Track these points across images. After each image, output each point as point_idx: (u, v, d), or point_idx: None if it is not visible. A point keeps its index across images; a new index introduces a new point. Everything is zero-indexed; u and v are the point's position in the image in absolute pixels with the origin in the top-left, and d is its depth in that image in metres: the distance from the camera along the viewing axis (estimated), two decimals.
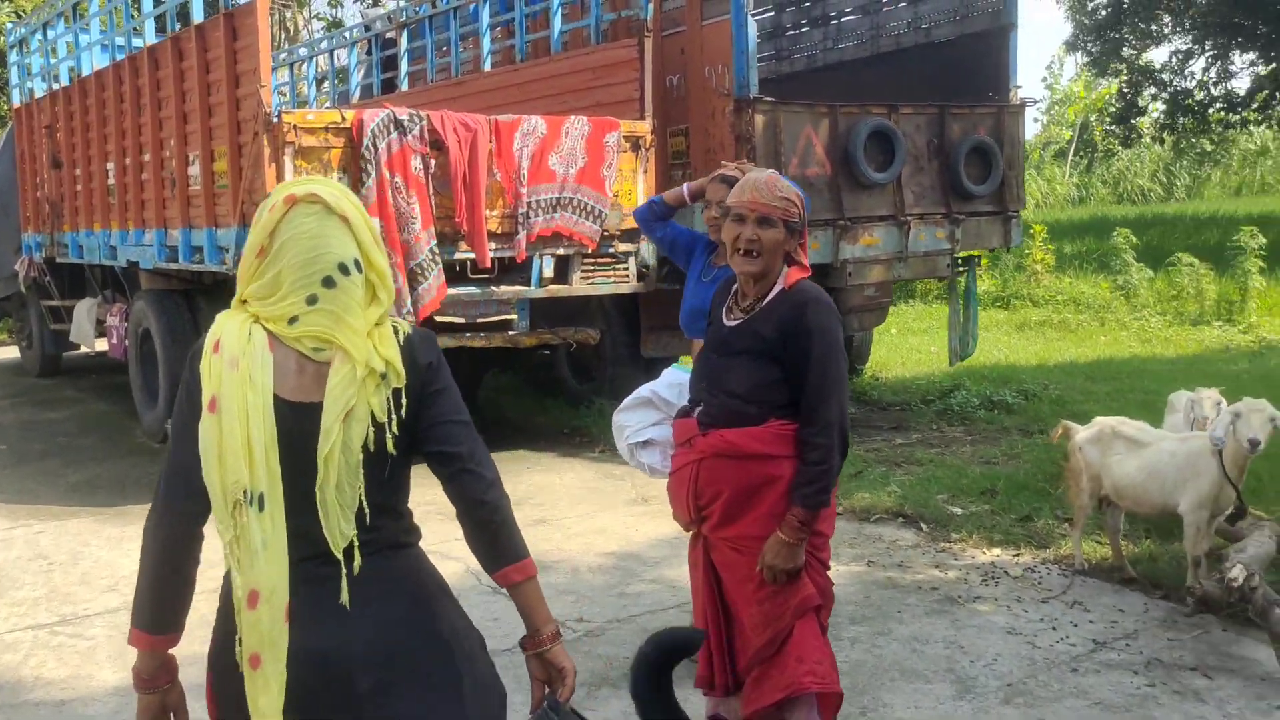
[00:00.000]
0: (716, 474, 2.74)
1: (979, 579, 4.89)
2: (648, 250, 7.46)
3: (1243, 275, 11.56)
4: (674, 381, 3.15)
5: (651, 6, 7.40)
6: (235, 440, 1.76)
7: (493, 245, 6.76)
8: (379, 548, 1.87)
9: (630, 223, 7.32)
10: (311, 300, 1.82)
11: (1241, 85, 27.18)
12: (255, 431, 1.77)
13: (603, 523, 5.93)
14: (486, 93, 8.66)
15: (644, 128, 7.36)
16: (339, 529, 1.81)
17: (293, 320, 1.83)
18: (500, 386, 10.17)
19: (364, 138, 6.27)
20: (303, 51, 13.66)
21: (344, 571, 1.82)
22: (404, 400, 1.86)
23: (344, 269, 1.84)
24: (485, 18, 8.98)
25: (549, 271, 7.12)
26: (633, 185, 7.36)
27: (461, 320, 6.97)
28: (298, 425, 1.80)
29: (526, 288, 7.09)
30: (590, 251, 7.22)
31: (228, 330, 1.83)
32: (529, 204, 6.87)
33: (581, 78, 7.88)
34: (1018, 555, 5.20)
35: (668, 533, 5.68)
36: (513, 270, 7.05)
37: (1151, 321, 11.82)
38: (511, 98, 8.32)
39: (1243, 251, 11.54)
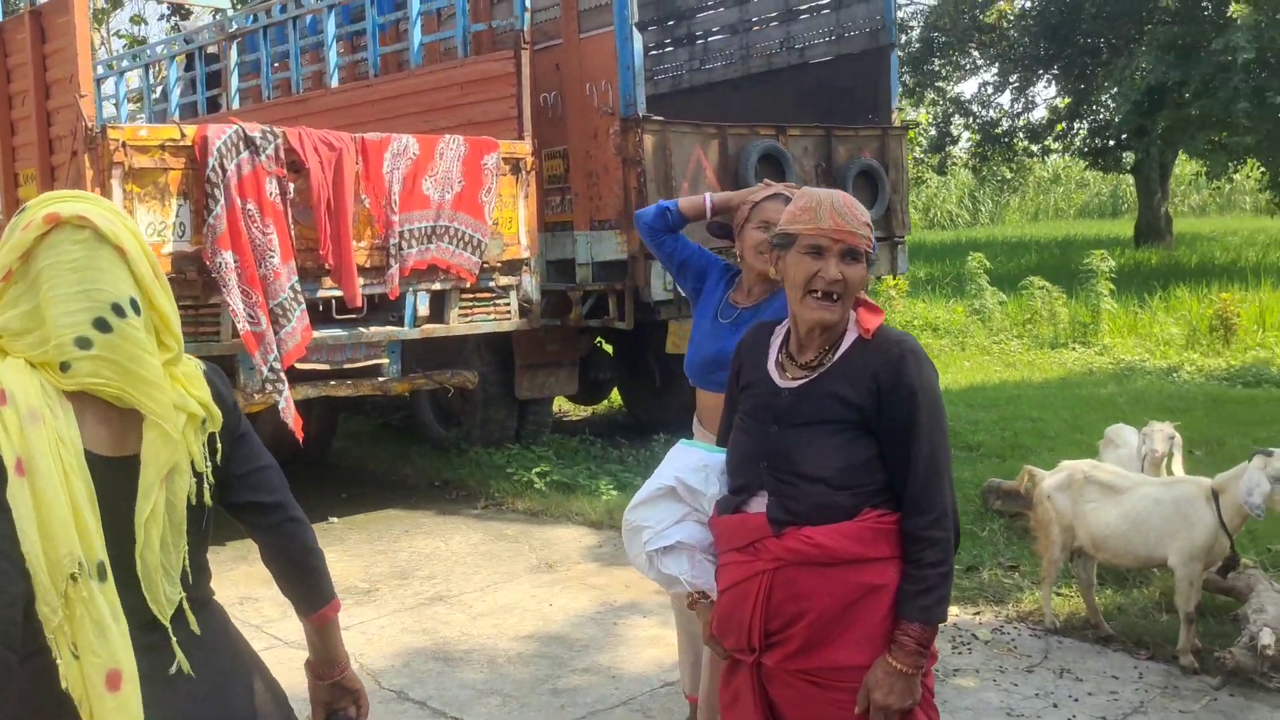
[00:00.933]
0: (799, 587, 2.08)
1: (948, 646, 4.41)
2: (530, 284, 6.78)
3: (1095, 298, 11.75)
4: (699, 464, 2.43)
5: (528, 17, 6.74)
6: (59, 506, 1.53)
7: (362, 281, 5.93)
8: (197, 606, 1.73)
9: (513, 253, 6.63)
10: (83, 344, 1.57)
11: (1041, 115, 28.52)
12: (78, 494, 1.55)
13: (509, 597, 5.18)
14: (336, 110, 7.80)
15: (524, 148, 6.69)
16: (164, 594, 1.65)
17: (65, 366, 1.57)
18: (353, 433, 9.23)
19: (209, 158, 5.37)
20: (101, 70, 12.29)
21: (172, 638, 1.66)
22: (219, 445, 1.73)
23: (119, 310, 1.60)
24: (331, 28, 8.11)
25: (424, 309, 6.34)
26: (513, 212, 6.66)
27: (326, 367, 6.10)
28: (114, 483, 1.60)
29: (399, 328, 6.28)
30: (469, 286, 6.48)
31: (9, 379, 1.56)
32: (401, 233, 6.08)
33: (449, 94, 7.15)
34: (978, 614, 4.76)
35: (586, 606, 5.01)
36: (383, 308, 6.23)
37: (1011, 345, 11.88)
38: (365, 116, 7.51)
39: (1094, 275, 11.72)
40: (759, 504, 2.17)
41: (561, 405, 9.65)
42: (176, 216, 5.37)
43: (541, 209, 7.23)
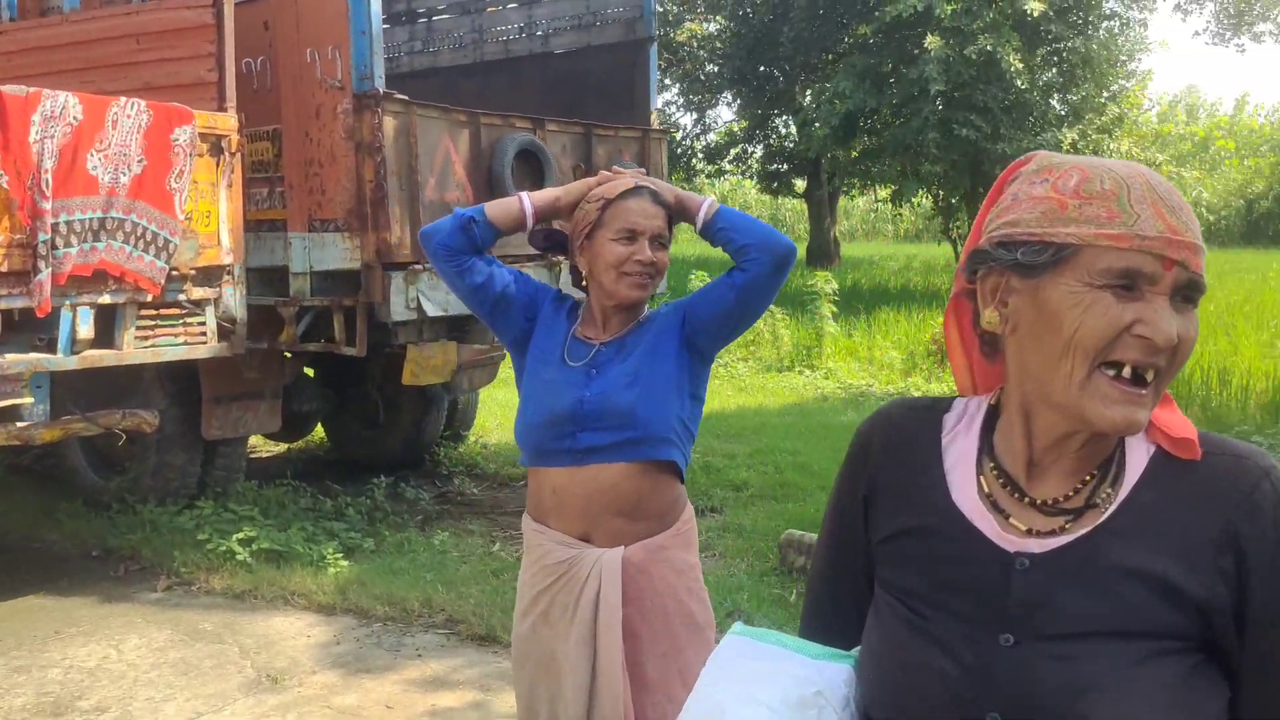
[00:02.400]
0: None
1: None
2: (233, 297, 5.27)
3: (818, 320, 11.53)
4: (798, 690, 1.23)
5: None
6: None
7: None
8: None
9: (211, 257, 5.11)
10: None
11: (714, 138, 29.24)
12: None
13: None
14: None
15: (228, 122, 5.18)
16: None
17: None
18: None
19: None
20: None
21: None
22: None
23: None
24: None
25: (86, 330, 4.69)
26: (213, 205, 5.14)
27: None
28: None
29: (50, 355, 4.60)
30: (151, 300, 4.89)
31: None
32: (56, 226, 4.43)
33: (121, 48, 5.48)
34: None
35: None
36: (25, 329, 4.54)
37: (738, 368, 11.42)
38: None
39: (816, 296, 11.50)
40: None
41: (252, 441, 8.01)
42: None
43: (245, 203, 5.72)
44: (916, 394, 10.26)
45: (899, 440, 1.24)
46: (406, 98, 5.64)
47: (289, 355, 6.52)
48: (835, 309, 11.73)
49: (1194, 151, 40.18)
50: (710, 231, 2.31)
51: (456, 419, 8.29)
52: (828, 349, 11.46)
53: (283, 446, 8.47)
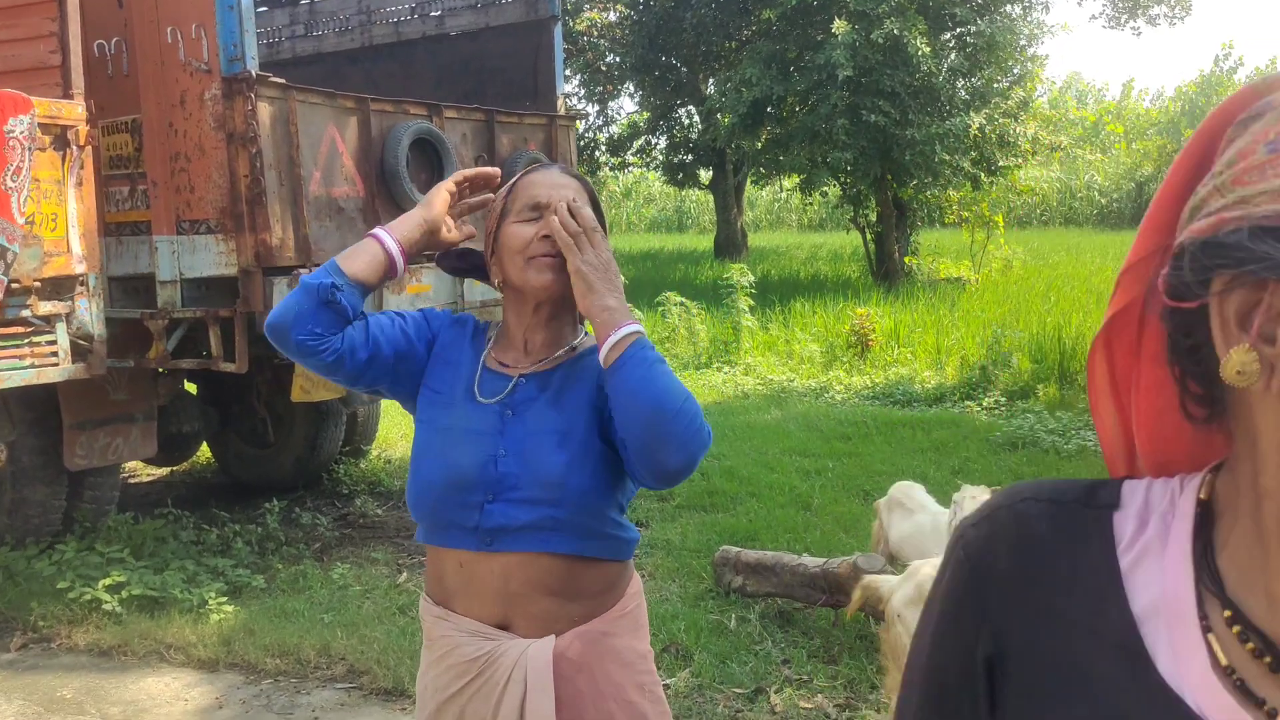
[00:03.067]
0: None
1: None
2: (89, 312, 4.61)
3: (735, 314, 11.13)
4: None
5: None
6: None
7: None
8: None
9: (59, 266, 4.46)
10: None
11: (617, 130, 28.84)
12: None
13: None
14: None
15: (74, 111, 4.52)
16: None
17: None
18: None
19: None
20: None
21: None
22: None
23: None
24: None
25: None
26: (59, 206, 4.48)
27: None
28: None
29: None
30: None
31: None
32: None
33: None
34: None
35: None
36: None
37: None
38: None
39: (732, 290, 11.11)
40: None
41: (129, 465, 7.30)
42: None
43: (102, 204, 5.06)
44: (840, 389, 9.95)
45: (1042, 562, 0.75)
46: (283, 81, 5.03)
47: (163, 372, 5.85)
48: (752, 302, 11.34)
49: (1085, 136, 41.06)
50: (608, 378, 1.71)
51: (356, 433, 7.68)
52: (745, 344, 11.07)
53: (165, 470, 7.74)
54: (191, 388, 7.07)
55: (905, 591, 3.18)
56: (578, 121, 9.63)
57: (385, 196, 5.51)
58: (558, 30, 6.96)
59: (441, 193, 1.90)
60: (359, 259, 1.81)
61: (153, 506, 6.37)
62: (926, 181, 15.57)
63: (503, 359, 1.85)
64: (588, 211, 1.76)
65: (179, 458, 7.20)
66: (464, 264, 2.00)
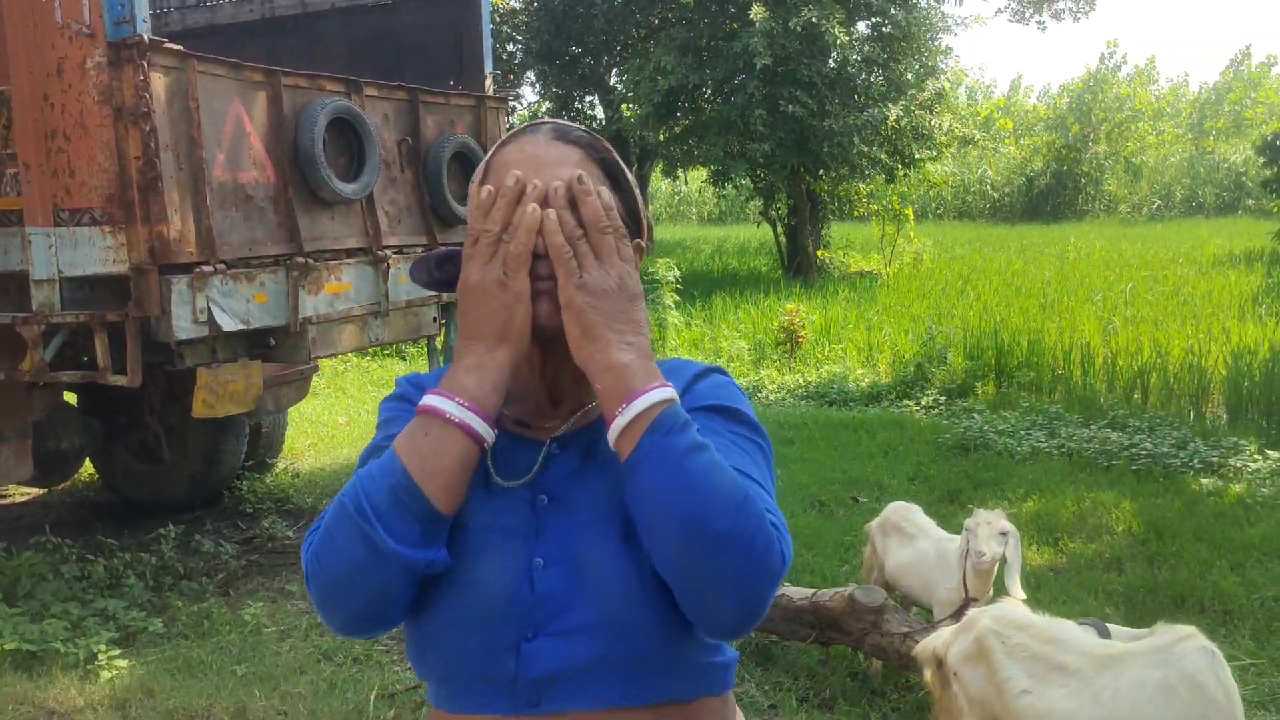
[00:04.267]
0: None
1: None
2: None
3: (661, 311, 10.66)
4: None
5: None
6: None
7: None
8: None
9: None
10: None
11: (520, 120, 28.10)
12: None
13: None
14: None
15: None
16: None
17: None
18: None
19: None
20: None
21: None
22: None
23: None
24: None
25: None
26: None
27: None
28: None
29: None
30: None
31: None
32: None
33: None
34: None
35: None
36: None
37: None
38: None
39: (658, 285, 10.63)
40: None
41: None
42: None
43: None
44: (772, 388, 9.54)
45: None
46: (182, 49, 4.35)
47: (39, 386, 5.11)
48: (677, 298, 10.89)
49: (977, 131, 41.78)
50: (625, 477, 1.15)
51: (260, 445, 6.98)
52: (671, 341, 10.60)
53: (42, 490, 6.92)
54: (71, 397, 6.30)
55: (962, 647, 2.73)
56: (511, 101, 9.05)
57: (299, 183, 4.85)
58: (485, 3, 6.36)
59: (517, 300, 1.18)
60: (430, 462, 1.14)
61: (29, 534, 5.60)
62: (843, 174, 15.33)
63: (519, 415, 1.29)
64: (595, 202, 1.17)
65: (58, 477, 6.41)
66: (444, 274, 1.37)
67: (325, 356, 5.24)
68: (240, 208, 4.60)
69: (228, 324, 4.43)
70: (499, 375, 1.17)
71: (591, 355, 1.14)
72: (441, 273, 1.37)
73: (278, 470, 7.18)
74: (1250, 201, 35.07)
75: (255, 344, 4.87)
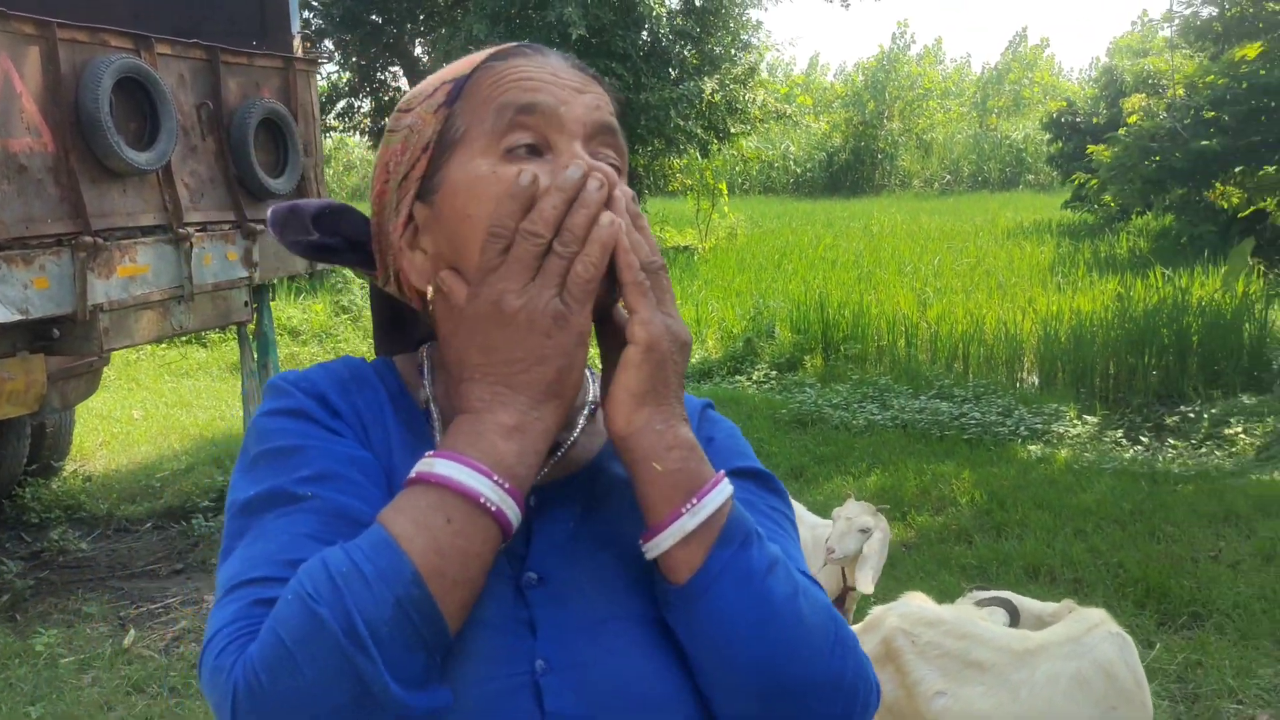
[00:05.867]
0: None
1: None
2: None
3: None
4: None
5: None
6: None
7: None
8: None
9: None
10: None
11: (320, 91, 26.90)
12: None
13: None
14: None
15: None
16: None
17: None
18: None
19: None
20: None
21: None
22: None
23: None
24: None
25: None
26: None
27: None
28: None
29: None
30: None
31: None
32: None
33: None
34: None
35: None
36: None
37: None
38: None
39: None
40: None
41: None
42: None
43: None
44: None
45: None
46: None
47: None
48: None
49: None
50: (676, 604, 0.84)
51: (45, 447, 6.25)
52: None
53: None
54: None
55: (869, 649, 2.52)
56: (321, 64, 8.41)
57: (83, 152, 4.24)
58: None
59: (579, 344, 0.82)
60: (467, 585, 0.77)
61: None
62: (659, 148, 15.23)
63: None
64: (647, 227, 0.87)
65: None
66: (329, 236, 1.00)
67: (121, 348, 4.65)
68: (13, 179, 3.98)
69: (3, 315, 3.82)
70: (545, 445, 0.81)
71: (650, 423, 0.82)
72: (325, 233, 0.99)
73: (66, 474, 6.45)
74: (1030, 176, 37.31)
75: (37, 336, 4.26)
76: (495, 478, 0.77)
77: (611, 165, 0.89)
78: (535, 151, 0.88)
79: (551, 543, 0.88)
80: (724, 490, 0.84)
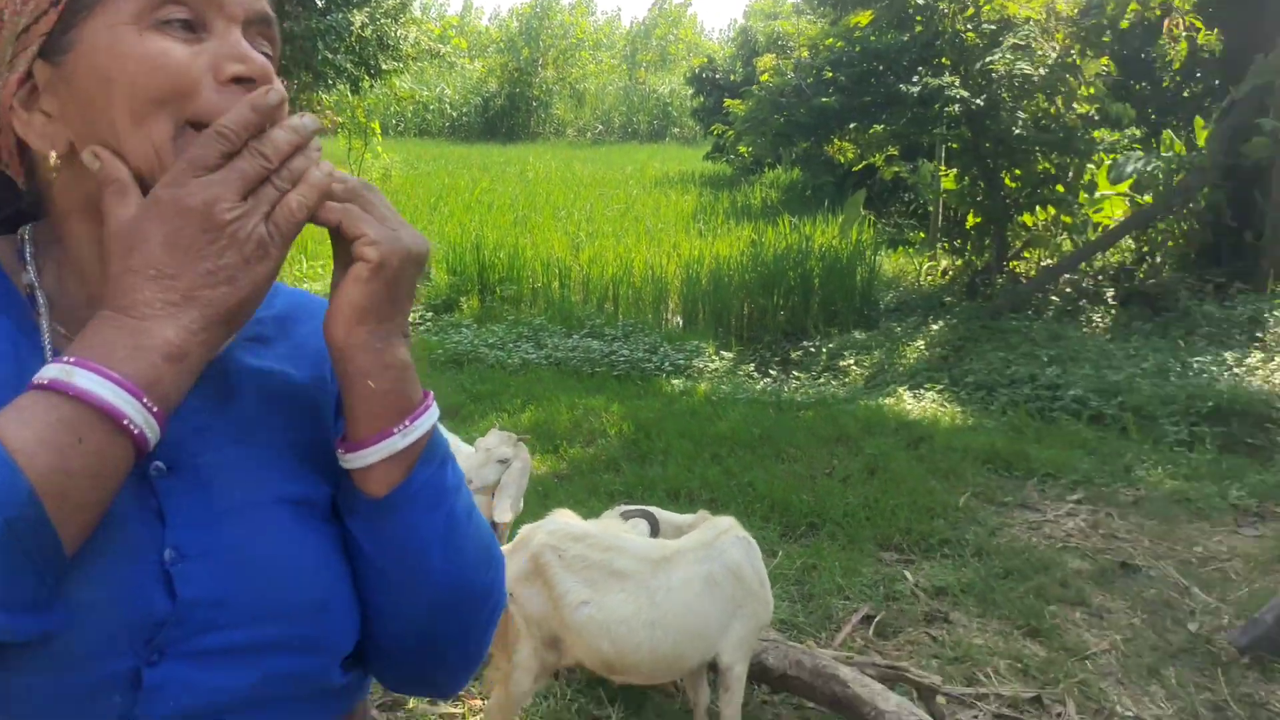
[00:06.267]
0: None
1: None
2: None
3: None
4: None
5: None
6: None
7: None
8: None
9: None
10: None
11: None
12: None
13: None
14: None
15: None
16: None
17: None
18: None
19: None
20: None
21: None
22: None
23: None
24: None
25: None
26: None
27: None
28: None
29: None
30: None
31: None
32: None
33: None
34: None
35: None
36: None
37: None
38: None
39: None
40: None
41: None
42: None
43: None
44: None
45: None
46: None
47: None
48: None
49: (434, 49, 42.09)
50: (365, 517, 0.86)
51: None
52: None
53: None
54: None
55: (518, 567, 2.63)
56: None
57: None
58: None
59: (267, 275, 0.79)
60: (93, 509, 0.72)
61: None
62: (306, 81, 14.54)
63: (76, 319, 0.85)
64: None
65: None
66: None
67: None
68: None
69: None
70: (200, 369, 0.77)
71: (369, 340, 0.81)
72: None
73: None
74: (676, 130, 39.09)
75: None
76: (145, 400, 0.72)
77: (264, 54, 0.88)
78: (189, 28, 0.83)
79: (181, 433, 0.84)
80: (433, 414, 0.86)
